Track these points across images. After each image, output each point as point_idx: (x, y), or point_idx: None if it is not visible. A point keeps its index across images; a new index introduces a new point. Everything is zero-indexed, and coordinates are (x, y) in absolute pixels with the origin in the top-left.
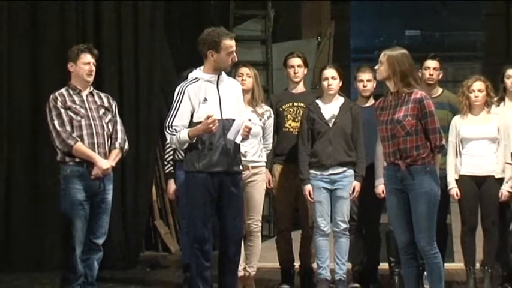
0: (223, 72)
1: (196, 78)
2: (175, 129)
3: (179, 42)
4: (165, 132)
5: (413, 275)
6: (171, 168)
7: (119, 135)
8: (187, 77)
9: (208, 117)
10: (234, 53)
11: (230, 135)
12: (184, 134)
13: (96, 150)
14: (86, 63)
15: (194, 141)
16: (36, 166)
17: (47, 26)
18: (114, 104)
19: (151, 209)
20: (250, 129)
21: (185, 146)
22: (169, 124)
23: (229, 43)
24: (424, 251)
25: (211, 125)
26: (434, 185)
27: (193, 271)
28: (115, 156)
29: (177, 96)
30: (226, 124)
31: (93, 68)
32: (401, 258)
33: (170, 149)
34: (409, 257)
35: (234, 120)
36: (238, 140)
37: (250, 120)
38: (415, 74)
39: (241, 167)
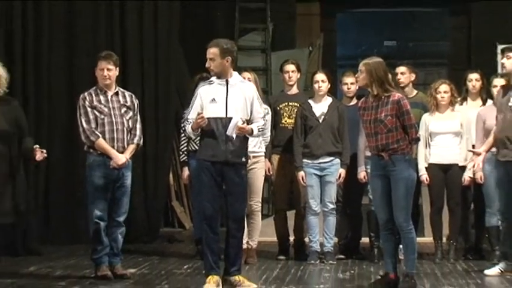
0: (234, 76)
1: (211, 81)
2: (189, 122)
3: (192, 51)
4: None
5: (391, 247)
6: (185, 157)
7: (137, 132)
8: (198, 80)
9: (198, 114)
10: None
11: (228, 132)
12: (189, 126)
13: (115, 145)
14: (100, 69)
15: (198, 132)
16: (72, 152)
17: (81, 33)
18: (136, 102)
19: (168, 191)
20: (242, 128)
21: (193, 135)
22: (187, 117)
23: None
24: (401, 227)
25: (199, 120)
26: (411, 172)
27: (203, 244)
28: (131, 150)
29: (195, 95)
30: (228, 122)
31: (107, 73)
32: (381, 233)
33: (184, 140)
34: (388, 232)
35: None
36: (234, 135)
37: (242, 119)
38: (389, 78)
39: (243, 159)
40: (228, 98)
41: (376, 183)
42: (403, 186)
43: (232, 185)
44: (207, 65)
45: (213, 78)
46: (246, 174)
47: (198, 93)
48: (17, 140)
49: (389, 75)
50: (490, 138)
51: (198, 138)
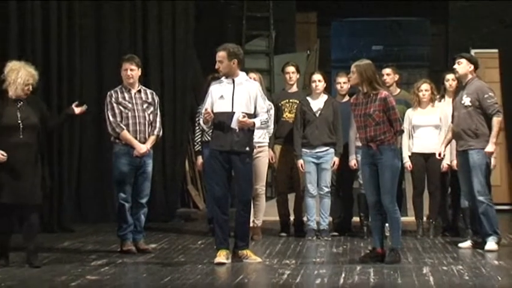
0: (240, 76)
1: (221, 80)
2: (202, 116)
3: (205, 54)
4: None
5: (378, 226)
6: (199, 147)
7: (157, 125)
8: (210, 80)
9: (205, 110)
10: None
11: (232, 124)
12: (202, 120)
13: (138, 136)
14: (124, 70)
15: (210, 125)
16: (100, 142)
17: (108, 39)
18: (156, 99)
19: (185, 177)
20: (243, 121)
21: (206, 128)
22: (201, 111)
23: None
24: (387, 208)
25: (206, 115)
26: (396, 160)
27: (215, 223)
28: (152, 140)
29: (207, 93)
30: (232, 116)
31: (130, 73)
32: (369, 213)
33: (199, 132)
34: (376, 212)
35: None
36: (236, 127)
37: (243, 113)
38: (377, 78)
39: (247, 148)
40: (234, 95)
41: (366, 170)
42: (389, 173)
43: (238, 172)
44: (216, 66)
45: (223, 78)
46: (251, 162)
47: (210, 91)
48: (42, 130)
49: (377, 76)
50: (449, 135)
51: (211, 130)
